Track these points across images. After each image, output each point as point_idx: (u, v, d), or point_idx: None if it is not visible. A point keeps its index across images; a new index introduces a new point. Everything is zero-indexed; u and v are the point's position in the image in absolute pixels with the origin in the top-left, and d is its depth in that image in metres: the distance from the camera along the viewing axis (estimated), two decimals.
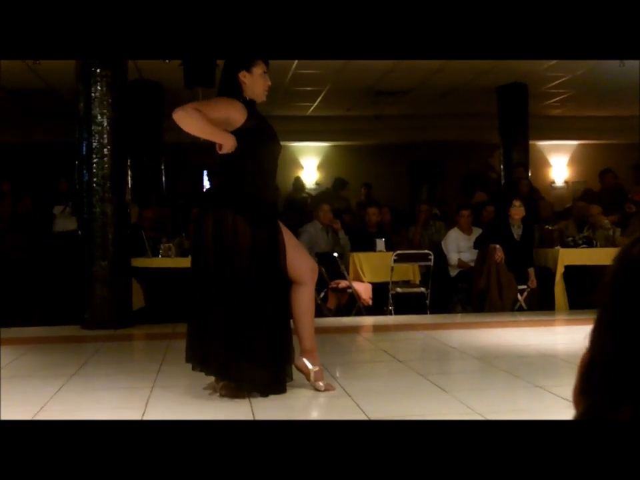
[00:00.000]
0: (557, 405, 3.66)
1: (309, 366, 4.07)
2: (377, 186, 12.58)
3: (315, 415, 3.94)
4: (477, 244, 8.38)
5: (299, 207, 12.25)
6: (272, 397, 3.88)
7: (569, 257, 8.32)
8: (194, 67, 7.57)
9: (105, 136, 7.22)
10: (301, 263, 4.04)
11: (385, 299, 8.24)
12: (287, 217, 10.17)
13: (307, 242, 8.52)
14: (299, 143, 14.73)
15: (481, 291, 8.07)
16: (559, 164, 15.77)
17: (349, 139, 14.75)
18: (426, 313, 8.24)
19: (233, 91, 3.98)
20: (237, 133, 3.88)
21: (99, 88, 7.23)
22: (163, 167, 11.28)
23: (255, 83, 4.01)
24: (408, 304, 8.61)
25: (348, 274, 8.26)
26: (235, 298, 3.83)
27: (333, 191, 12.35)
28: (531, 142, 12.36)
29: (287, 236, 4.02)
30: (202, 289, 3.90)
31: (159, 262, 8.02)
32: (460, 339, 6.17)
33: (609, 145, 14.64)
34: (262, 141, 3.98)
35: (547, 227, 9.26)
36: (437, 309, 8.41)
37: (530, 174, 11.96)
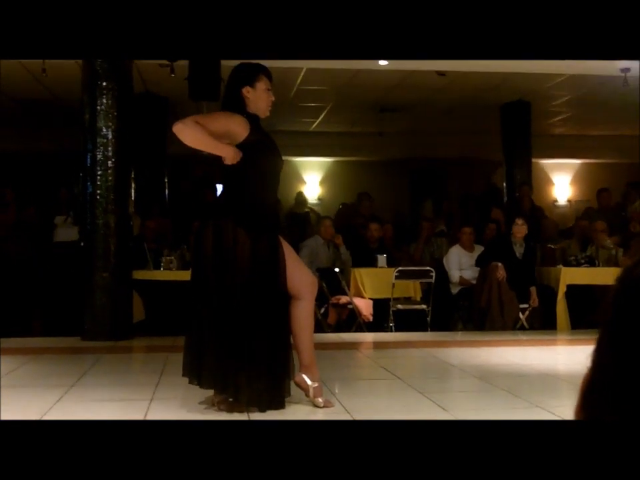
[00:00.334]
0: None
1: (308, 382, 4.05)
2: (380, 202, 12.57)
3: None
4: (479, 261, 8.37)
5: (301, 222, 12.25)
6: (269, 412, 3.86)
7: (571, 276, 8.31)
8: (199, 80, 7.60)
9: (110, 148, 7.25)
10: (300, 277, 4.04)
11: (386, 315, 8.23)
12: (289, 231, 10.19)
13: (308, 257, 8.52)
14: (302, 157, 14.76)
15: (482, 309, 8.06)
16: (562, 182, 15.78)
17: (352, 154, 14.78)
18: (427, 330, 8.23)
19: (237, 106, 3.99)
20: (240, 146, 3.89)
21: (104, 100, 7.26)
22: (165, 179, 11.30)
23: (259, 98, 4.03)
24: (409, 321, 8.60)
25: (349, 289, 8.25)
26: (233, 311, 3.82)
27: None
28: (533, 160, 12.37)
29: (287, 250, 4.02)
30: (200, 301, 3.89)
31: (161, 275, 8.03)
32: (460, 357, 6.16)
33: (612, 164, 14.66)
34: (264, 154, 3.99)
35: (549, 245, 9.26)
36: (437, 326, 8.39)
37: (532, 192, 11.97)
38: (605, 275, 8.20)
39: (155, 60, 7.62)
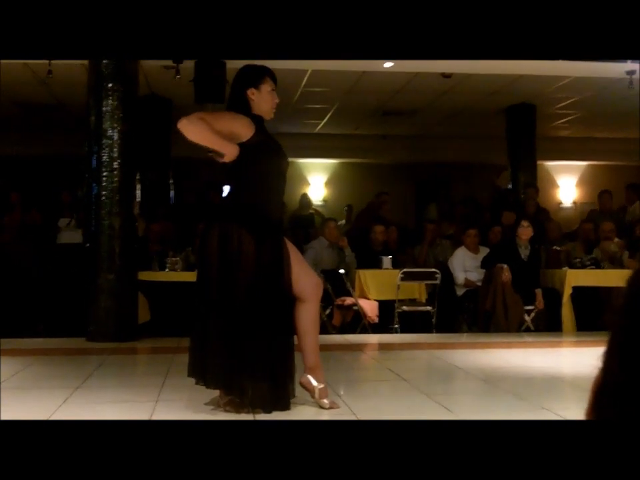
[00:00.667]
0: None
1: (314, 383, 4.05)
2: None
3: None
4: (484, 264, 8.37)
5: (306, 224, 12.26)
6: (275, 414, 3.86)
7: (576, 278, 8.30)
8: (205, 82, 7.61)
9: (115, 150, 7.26)
10: (305, 279, 4.04)
11: (391, 316, 8.23)
12: (293, 233, 10.19)
13: (312, 259, 8.52)
14: (307, 159, 14.77)
15: (487, 311, 8.05)
16: (567, 185, 15.76)
17: (356, 156, 14.79)
18: (432, 332, 8.22)
19: (241, 107, 4.01)
20: (244, 147, 3.90)
21: (110, 102, 7.28)
22: (171, 181, 11.32)
23: (263, 100, 4.04)
24: (414, 322, 8.60)
25: (354, 291, 8.25)
26: (237, 312, 3.82)
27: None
28: (538, 162, 12.36)
29: (292, 252, 4.03)
30: (206, 303, 3.90)
31: (165, 276, 8.04)
32: (465, 359, 6.15)
33: (617, 167, 14.65)
34: (268, 155, 4.00)
35: (554, 247, 9.24)
36: (442, 328, 8.38)
37: (538, 195, 11.95)
38: (610, 277, 8.19)
39: (161, 60, 7.62)
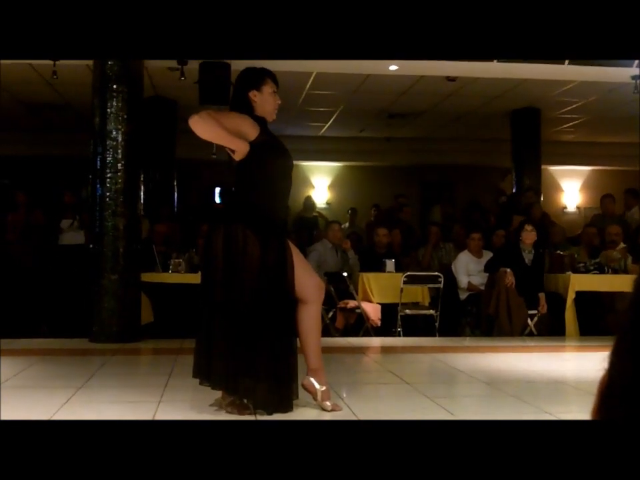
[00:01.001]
0: None
1: (316, 385, 4.05)
2: (387, 207, 12.56)
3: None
4: (488, 267, 8.36)
5: (309, 226, 12.26)
6: (277, 415, 3.86)
7: (580, 282, 8.28)
8: (209, 84, 7.63)
9: (120, 151, 7.27)
10: (308, 281, 4.04)
11: (394, 320, 8.22)
12: (297, 235, 10.20)
13: (315, 261, 8.52)
14: (311, 162, 14.78)
15: (489, 315, 8.05)
16: (572, 189, 15.76)
17: (360, 159, 14.80)
18: (435, 336, 8.22)
19: (244, 109, 4.03)
20: (250, 146, 3.92)
21: (114, 103, 7.29)
22: (175, 183, 11.33)
23: (265, 101, 4.06)
24: (416, 326, 8.60)
25: (357, 294, 8.25)
26: (241, 313, 3.83)
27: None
28: (543, 167, 12.36)
29: (295, 254, 4.03)
30: (210, 303, 3.90)
31: (169, 277, 8.05)
32: (468, 362, 6.14)
33: (622, 172, 14.63)
34: (273, 155, 4.01)
35: (557, 252, 9.23)
36: (445, 331, 8.38)
37: (542, 199, 11.95)
38: (614, 282, 8.18)
39: (167, 60, 7.62)
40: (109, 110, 7.29)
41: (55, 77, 7.96)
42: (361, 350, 7.25)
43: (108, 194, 7.27)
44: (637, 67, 8.06)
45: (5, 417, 3.44)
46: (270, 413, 3.86)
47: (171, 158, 11.08)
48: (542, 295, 8.20)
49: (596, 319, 8.20)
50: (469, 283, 8.66)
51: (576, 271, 8.57)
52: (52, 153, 12.98)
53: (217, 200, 13.66)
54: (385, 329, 8.30)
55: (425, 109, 11.72)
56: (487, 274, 8.33)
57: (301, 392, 4.07)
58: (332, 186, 15.31)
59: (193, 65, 7.74)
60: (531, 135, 11.77)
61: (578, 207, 15.71)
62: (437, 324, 8.29)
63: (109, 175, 7.27)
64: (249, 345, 3.82)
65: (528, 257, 8.29)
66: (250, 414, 3.88)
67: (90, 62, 7.57)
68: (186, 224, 10.33)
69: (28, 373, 5.41)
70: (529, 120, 11.70)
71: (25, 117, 11.86)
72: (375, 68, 8.48)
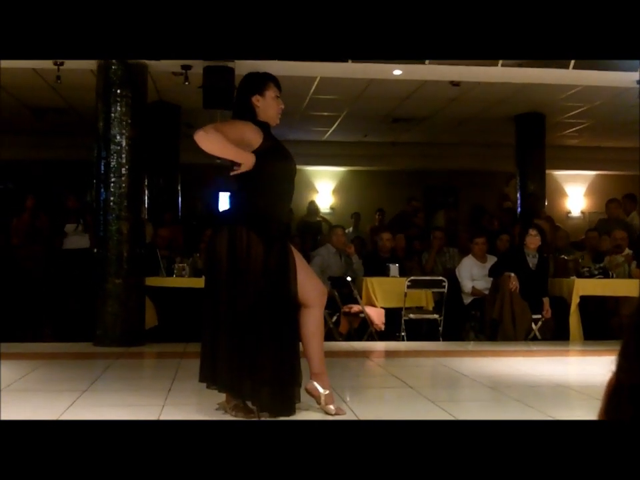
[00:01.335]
0: None
1: (320, 389, 4.05)
2: (391, 212, 12.57)
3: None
4: (492, 272, 8.35)
5: (313, 231, 12.27)
6: (280, 419, 3.86)
7: (584, 287, 8.27)
8: (213, 88, 7.63)
9: (124, 155, 7.29)
10: (310, 286, 4.04)
11: (398, 324, 8.21)
12: (301, 240, 10.20)
13: (319, 266, 8.52)
14: (315, 167, 14.79)
15: (494, 320, 8.03)
16: (576, 194, 15.73)
17: (364, 164, 14.79)
18: (438, 340, 8.21)
19: (247, 114, 4.04)
20: (254, 154, 3.92)
21: (118, 108, 7.32)
22: (179, 187, 11.35)
23: (268, 106, 4.07)
24: (420, 330, 8.59)
25: (361, 298, 8.24)
26: (245, 316, 3.83)
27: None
28: (547, 171, 12.34)
29: (298, 258, 4.04)
30: (214, 306, 3.90)
31: (173, 281, 8.06)
32: (471, 367, 6.14)
33: (626, 176, 14.60)
34: (277, 160, 4.02)
35: (562, 256, 9.23)
36: (449, 336, 8.37)
37: (546, 204, 11.93)
38: (618, 287, 8.17)
39: (173, 60, 7.60)
40: (112, 114, 7.32)
41: (58, 81, 7.97)
42: (365, 354, 7.25)
43: (112, 198, 7.29)
44: None
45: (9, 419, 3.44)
46: (273, 416, 3.86)
47: (174, 162, 11.10)
48: (546, 300, 8.19)
49: (600, 323, 8.19)
50: (473, 287, 8.65)
51: (580, 275, 8.57)
52: (56, 157, 13.00)
53: (221, 205, 13.67)
54: (388, 333, 8.29)
55: (428, 114, 11.72)
56: (491, 278, 8.32)
57: (305, 396, 4.07)
58: (336, 190, 15.31)
59: (197, 70, 7.74)
60: (535, 140, 11.75)
61: (582, 212, 15.69)
62: (440, 328, 8.28)
63: (113, 180, 7.29)
64: (253, 348, 3.82)
65: (532, 261, 8.28)
66: (254, 417, 3.88)
67: (94, 66, 7.59)
68: (190, 228, 10.34)
69: (32, 377, 5.41)
70: (533, 125, 11.69)
71: (29, 121, 11.88)
72: (378, 72, 8.47)
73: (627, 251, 9.01)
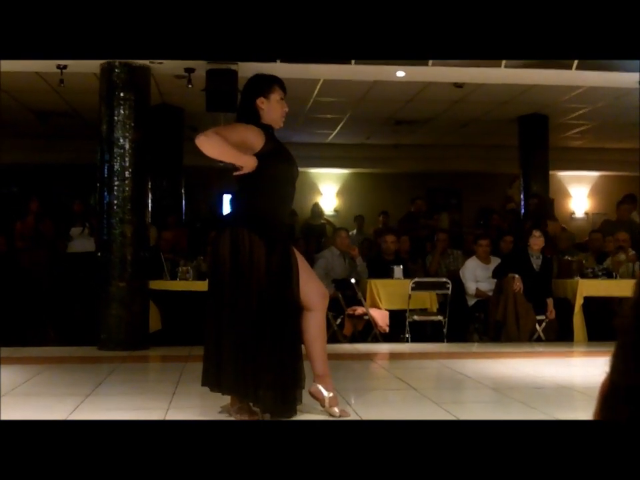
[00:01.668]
0: None
1: (324, 392, 4.05)
2: (395, 214, 12.58)
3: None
4: (496, 273, 8.34)
5: (317, 233, 12.27)
6: (283, 420, 3.86)
7: (588, 288, 8.27)
8: (216, 91, 7.64)
9: (127, 158, 7.30)
10: (312, 288, 4.04)
11: (402, 326, 8.21)
12: (305, 242, 10.20)
13: (323, 268, 8.52)
14: (319, 169, 14.79)
15: (497, 321, 8.03)
16: (580, 195, 15.72)
17: (368, 166, 14.80)
18: (443, 342, 8.20)
19: (251, 116, 4.03)
20: (256, 156, 3.92)
21: (121, 111, 7.33)
22: (182, 190, 11.36)
23: (272, 109, 4.06)
24: (424, 332, 8.59)
25: (365, 300, 8.24)
26: (248, 318, 3.83)
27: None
28: (551, 172, 12.33)
29: (300, 261, 4.04)
30: (218, 308, 3.90)
31: (177, 285, 8.05)
32: (476, 368, 6.13)
33: (630, 177, 14.58)
34: (279, 163, 4.02)
35: (566, 257, 9.22)
36: (453, 337, 8.36)
37: (548, 205, 11.91)
38: (622, 287, 8.15)
39: (177, 60, 7.61)
40: (116, 117, 7.33)
41: (61, 84, 7.98)
42: (369, 356, 7.24)
43: (115, 201, 7.30)
44: None
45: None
46: (275, 418, 3.86)
47: (178, 165, 11.11)
48: (550, 301, 8.18)
49: (604, 324, 8.17)
50: (477, 289, 8.64)
51: (584, 276, 8.56)
52: (59, 160, 13.02)
53: (225, 206, 13.68)
54: (393, 335, 8.29)
55: (432, 116, 11.72)
56: (495, 280, 8.32)
57: (310, 398, 4.07)
58: (339, 193, 15.32)
59: (200, 73, 7.75)
60: (538, 141, 11.75)
61: (586, 213, 15.68)
62: (444, 330, 8.28)
63: (116, 183, 7.30)
64: (257, 351, 3.82)
65: (536, 262, 8.28)
66: (258, 419, 3.88)
67: (97, 70, 7.60)
68: (194, 231, 10.35)
69: (37, 381, 5.42)
70: (537, 126, 11.68)
71: (33, 124, 11.91)
72: (381, 74, 8.48)
73: (630, 251, 9.00)
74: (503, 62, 7.72)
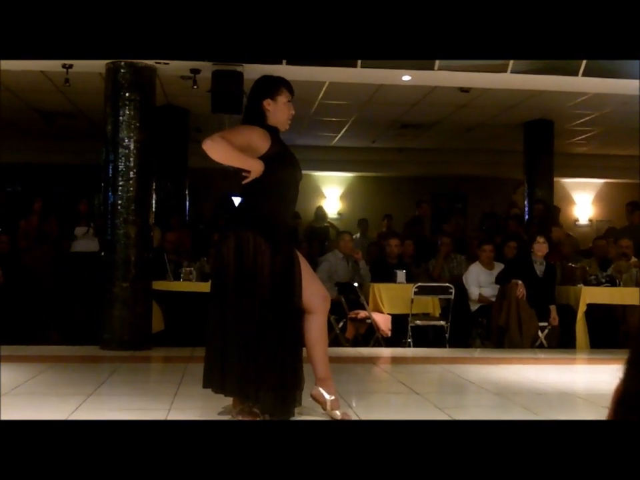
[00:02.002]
0: None
1: (325, 395, 4.04)
2: (399, 218, 12.57)
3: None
4: (499, 279, 8.33)
5: (321, 236, 12.26)
6: (284, 420, 3.86)
7: (591, 295, 8.25)
8: (222, 93, 7.64)
9: (131, 159, 7.31)
10: (314, 291, 4.04)
11: (404, 330, 8.20)
12: (308, 245, 10.19)
13: (326, 271, 8.52)
14: (323, 172, 14.80)
15: (500, 327, 8.02)
16: (584, 202, 15.70)
17: (372, 170, 14.80)
18: (445, 347, 8.19)
19: (257, 118, 4.03)
20: (260, 159, 3.91)
21: (126, 111, 7.33)
22: (186, 191, 11.36)
23: (279, 111, 4.06)
24: (427, 337, 8.58)
25: (367, 304, 8.24)
26: (251, 320, 3.83)
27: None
28: (555, 179, 12.32)
29: (303, 264, 4.03)
30: (220, 310, 3.90)
31: (180, 286, 8.06)
32: (478, 373, 6.12)
33: (634, 184, 14.56)
34: (284, 166, 4.01)
35: (569, 264, 9.20)
36: (456, 342, 8.35)
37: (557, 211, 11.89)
38: (626, 295, 8.14)
39: (184, 60, 7.62)
40: (121, 118, 7.33)
41: (67, 84, 7.98)
42: (371, 360, 7.24)
43: (120, 202, 7.30)
44: None
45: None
46: (274, 419, 3.85)
47: (183, 166, 11.11)
48: (553, 307, 8.17)
49: (607, 331, 8.16)
50: (480, 294, 8.63)
51: (587, 283, 8.55)
52: (64, 160, 13.04)
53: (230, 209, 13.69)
54: (395, 340, 8.28)
55: (437, 120, 11.72)
56: (498, 286, 8.31)
57: (310, 402, 4.06)
58: (343, 196, 15.32)
59: (206, 74, 7.75)
60: (543, 147, 11.73)
61: (590, 220, 15.66)
62: (447, 335, 8.27)
63: (120, 183, 7.31)
64: (259, 353, 3.82)
65: (539, 268, 8.26)
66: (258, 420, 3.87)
67: (102, 70, 7.61)
68: (197, 233, 10.35)
69: (39, 380, 5.42)
70: (542, 132, 11.67)
71: (38, 124, 11.93)
72: (387, 78, 8.47)
73: (633, 259, 8.98)
74: (509, 67, 7.71)
